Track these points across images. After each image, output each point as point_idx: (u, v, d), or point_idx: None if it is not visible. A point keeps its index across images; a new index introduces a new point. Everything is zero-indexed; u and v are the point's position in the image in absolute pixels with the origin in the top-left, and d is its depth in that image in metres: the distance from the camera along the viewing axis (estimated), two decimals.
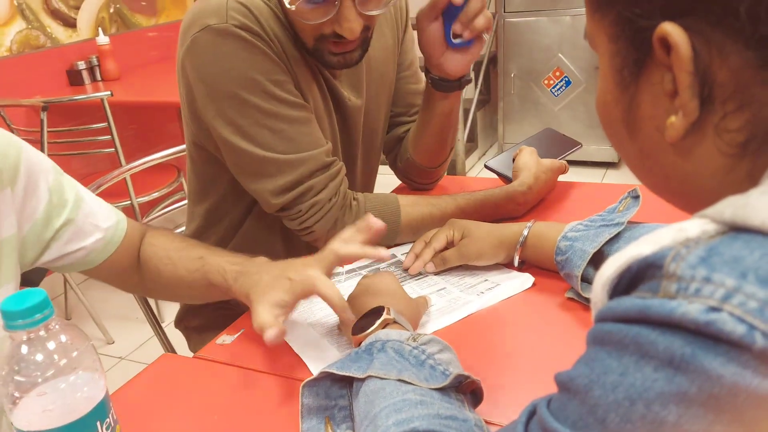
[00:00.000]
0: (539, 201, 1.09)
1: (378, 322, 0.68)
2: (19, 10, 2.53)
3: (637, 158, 0.44)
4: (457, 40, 0.98)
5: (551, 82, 3.38)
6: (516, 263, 0.88)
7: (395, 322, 0.70)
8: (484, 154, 3.79)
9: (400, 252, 0.99)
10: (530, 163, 1.07)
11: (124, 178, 2.15)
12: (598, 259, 0.77)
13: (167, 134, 3.09)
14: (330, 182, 0.95)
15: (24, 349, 0.48)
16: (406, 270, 0.93)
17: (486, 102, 3.81)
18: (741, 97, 0.36)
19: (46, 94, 2.53)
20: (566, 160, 1.14)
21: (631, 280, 0.36)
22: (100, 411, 0.50)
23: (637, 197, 0.84)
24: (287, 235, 1.07)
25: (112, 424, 0.52)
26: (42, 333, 0.48)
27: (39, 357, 0.48)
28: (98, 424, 0.50)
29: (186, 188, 1.16)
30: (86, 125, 2.22)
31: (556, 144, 1.18)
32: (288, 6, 0.85)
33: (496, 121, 3.66)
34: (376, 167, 1.20)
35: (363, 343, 0.66)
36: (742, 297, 0.30)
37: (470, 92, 3.54)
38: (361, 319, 0.71)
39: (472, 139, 3.63)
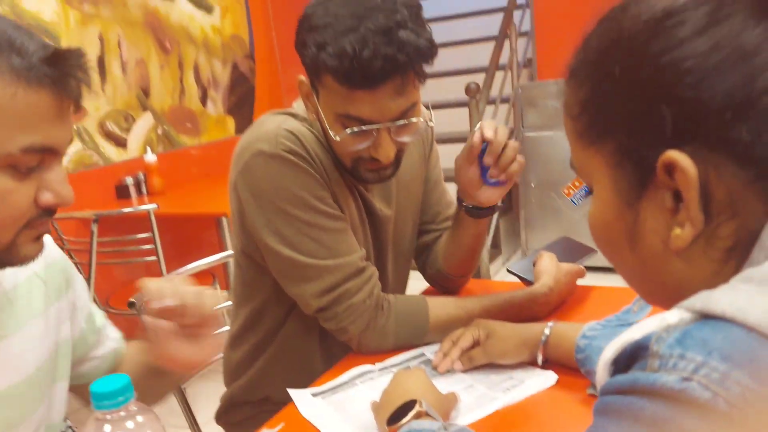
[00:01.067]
0: (561, 303, 1.16)
1: (412, 413, 0.74)
2: (77, 133, 2.78)
3: (637, 268, 0.49)
4: (492, 180, 1.07)
5: (570, 191, 3.49)
6: (539, 361, 0.94)
7: (427, 414, 0.75)
8: (507, 260, 3.87)
9: (429, 351, 1.05)
10: (550, 267, 1.15)
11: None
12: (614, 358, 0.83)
13: (205, 243, 3.25)
14: (364, 286, 1.04)
15: (107, 428, 0.55)
16: (435, 368, 0.99)
17: (508, 210, 3.94)
18: (733, 208, 0.43)
19: (95, 208, 2.70)
20: (583, 266, 1.22)
21: (627, 360, 0.43)
22: None
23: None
24: (324, 335, 1.14)
25: None
26: (122, 413, 0.56)
27: None
28: None
29: (230, 291, 1.26)
30: (131, 235, 2.38)
31: (572, 250, 1.26)
32: (333, 138, 0.97)
33: (518, 228, 3.77)
34: (407, 271, 1.29)
35: None
36: (708, 370, 0.37)
37: None
38: (395, 412, 0.77)
39: (496, 245, 3.72)
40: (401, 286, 1.29)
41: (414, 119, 0.97)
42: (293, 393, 0.96)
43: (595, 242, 0.52)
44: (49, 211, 0.66)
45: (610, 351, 0.44)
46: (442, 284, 1.28)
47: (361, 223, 1.13)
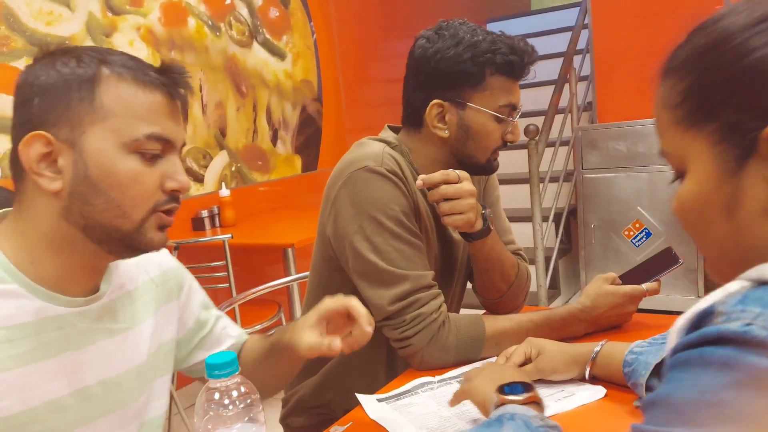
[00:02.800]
0: (607, 323, 1.21)
1: (528, 394, 0.79)
2: None
3: (729, 236, 0.56)
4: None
5: (631, 233, 3.51)
6: (587, 376, 1.01)
7: (536, 403, 0.79)
8: (566, 302, 3.86)
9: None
10: (589, 287, 1.22)
11: (234, 308, 2.41)
12: (660, 371, 0.89)
13: (272, 272, 3.41)
14: (432, 300, 1.14)
15: (216, 395, 0.67)
16: None
17: (567, 251, 3.96)
18: None
19: (173, 238, 2.91)
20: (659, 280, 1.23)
21: (694, 327, 0.51)
22: None
23: None
24: (391, 352, 1.24)
25: None
26: (229, 383, 0.67)
27: (226, 401, 0.66)
28: None
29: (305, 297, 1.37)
30: (207, 263, 2.55)
31: (660, 262, 1.25)
32: (491, 131, 1.20)
33: (578, 269, 3.77)
34: (463, 293, 1.38)
35: (493, 414, 0.78)
36: (765, 317, 0.46)
37: (551, 242, 3.71)
38: (504, 385, 0.82)
39: (554, 286, 3.73)
40: (459, 308, 1.38)
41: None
42: (360, 397, 1.06)
43: (683, 219, 0.60)
44: (172, 197, 0.81)
45: (681, 320, 0.53)
46: (489, 309, 1.35)
47: (435, 245, 1.25)
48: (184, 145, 0.84)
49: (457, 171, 1.14)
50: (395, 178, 1.15)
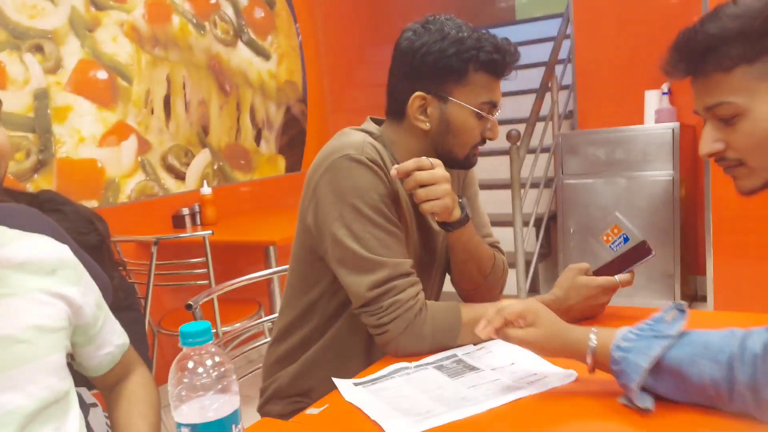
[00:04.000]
0: (581, 316, 1.23)
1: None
2: (141, 165, 3.01)
3: None
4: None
5: (609, 238, 3.54)
6: (589, 370, 0.95)
7: None
8: None
9: (461, 352, 1.14)
10: (561, 279, 1.24)
11: (214, 305, 2.40)
12: (652, 369, 0.87)
13: (252, 270, 3.38)
14: (410, 287, 1.15)
15: (190, 363, 0.67)
16: (477, 333, 1.04)
17: (547, 255, 3.99)
18: None
19: (153, 234, 2.90)
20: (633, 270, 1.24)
21: None
22: (236, 416, 0.68)
23: (683, 311, 0.91)
24: (369, 340, 1.25)
25: (241, 430, 0.69)
26: (203, 352, 0.68)
27: (200, 369, 0.67)
28: (233, 426, 0.67)
29: (283, 291, 1.37)
30: (187, 260, 2.54)
31: (634, 255, 1.27)
32: (471, 127, 1.23)
33: (557, 273, 3.81)
34: (443, 284, 1.40)
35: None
36: None
37: (531, 246, 3.75)
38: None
39: (534, 289, 3.76)
40: (438, 299, 1.39)
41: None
42: (337, 381, 1.06)
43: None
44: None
45: None
46: (465, 300, 1.36)
47: (415, 235, 1.26)
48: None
49: (430, 158, 1.16)
50: (375, 167, 1.17)
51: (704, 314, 1.40)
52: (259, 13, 3.74)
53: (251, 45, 3.67)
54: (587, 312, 1.24)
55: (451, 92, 1.21)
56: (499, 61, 1.20)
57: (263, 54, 3.75)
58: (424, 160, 1.15)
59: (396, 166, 1.15)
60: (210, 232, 2.48)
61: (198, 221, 3.13)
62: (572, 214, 3.67)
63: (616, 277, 1.23)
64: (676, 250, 3.41)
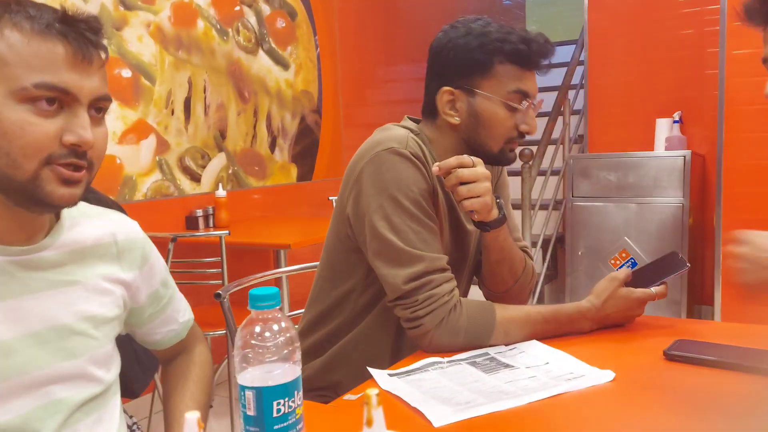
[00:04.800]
0: (613, 323, 1.24)
1: None
2: (158, 164, 3.02)
3: None
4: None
5: (617, 262, 3.57)
6: None
7: None
8: None
9: (493, 351, 1.14)
10: (601, 287, 1.24)
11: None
12: None
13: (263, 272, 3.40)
14: (445, 283, 1.15)
15: (257, 327, 0.68)
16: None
17: (553, 278, 4.00)
18: None
19: (169, 231, 2.90)
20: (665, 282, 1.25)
21: None
22: (298, 383, 0.68)
23: None
24: (399, 333, 1.25)
25: (301, 400, 0.69)
26: (269, 316, 0.68)
27: (267, 333, 0.68)
28: (295, 392, 0.68)
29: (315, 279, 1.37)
30: (201, 259, 2.55)
31: (667, 265, 1.27)
32: (502, 117, 1.22)
33: (563, 296, 3.81)
34: (470, 285, 1.40)
35: None
36: None
37: (538, 268, 3.76)
38: None
39: None
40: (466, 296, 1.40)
41: (540, 102, 1.26)
42: (372, 371, 1.07)
43: None
44: (74, 152, 0.78)
45: None
46: (498, 302, 1.37)
47: (448, 235, 1.27)
48: (104, 100, 0.82)
49: (471, 157, 1.18)
50: (418, 161, 1.18)
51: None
52: (281, 23, 3.79)
53: (271, 54, 3.71)
54: (620, 320, 1.25)
55: (478, 85, 1.22)
56: (525, 51, 1.20)
57: (282, 63, 3.79)
58: (466, 158, 1.16)
59: (438, 163, 1.17)
60: (227, 232, 2.49)
61: (211, 223, 3.13)
62: (581, 236, 3.68)
63: (652, 289, 1.24)
64: (684, 277, 3.42)
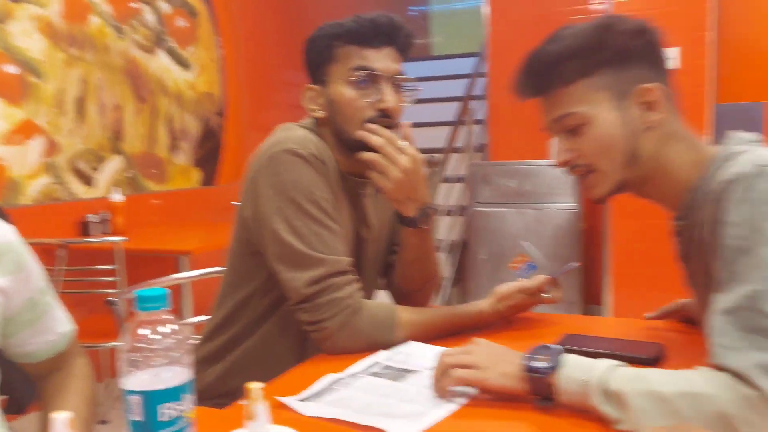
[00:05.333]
0: (505, 318, 1.30)
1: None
2: (47, 167, 2.84)
3: None
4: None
5: (517, 265, 3.71)
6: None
7: None
8: None
9: (381, 357, 1.11)
10: (506, 293, 1.28)
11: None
12: None
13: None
14: (347, 285, 1.14)
15: (144, 330, 0.65)
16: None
17: (458, 281, 4.11)
18: None
19: (58, 237, 2.73)
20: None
21: None
22: (188, 386, 0.66)
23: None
24: (302, 339, 1.23)
25: (191, 404, 0.67)
26: (156, 318, 0.66)
27: (154, 336, 0.65)
28: (184, 396, 0.65)
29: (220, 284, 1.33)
30: (96, 266, 2.41)
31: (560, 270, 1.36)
32: (348, 98, 1.20)
33: (468, 298, 3.92)
34: (374, 290, 1.41)
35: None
36: None
37: (444, 272, 3.84)
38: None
39: None
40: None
41: (409, 78, 1.23)
42: (284, 400, 0.95)
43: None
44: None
45: None
46: (404, 301, 1.39)
47: (351, 238, 1.27)
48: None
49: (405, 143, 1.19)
50: (317, 162, 1.17)
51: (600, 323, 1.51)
52: (181, 23, 3.67)
53: (171, 53, 3.59)
54: (511, 315, 1.30)
55: (326, 73, 1.23)
56: (357, 28, 1.19)
57: (183, 63, 3.67)
58: (396, 137, 1.18)
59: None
60: (123, 238, 2.37)
61: (107, 229, 2.98)
62: (483, 241, 3.81)
63: (550, 294, 1.32)
64: (578, 279, 3.61)
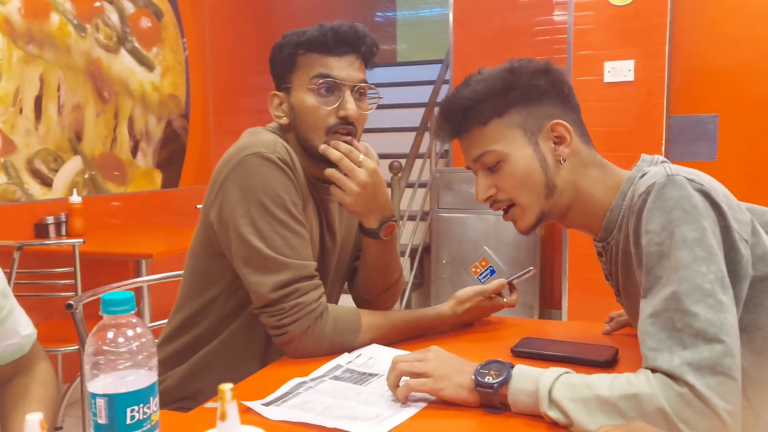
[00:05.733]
0: (468, 320, 1.34)
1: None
2: (3, 167, 2.77)
3: None
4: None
5: (477, 270, 3.78)
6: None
7: None
8: None
9: (344, 360, 1.13)
10: (465, 296, 1.33)
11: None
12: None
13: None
14: (312, 290, 1.16)
15: (110, 333, 0.66)
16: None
17: (420, 285, 4.15)
18: None
19: (14, 239, 2.66)
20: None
21: None
22: (153, 389, 0.67)
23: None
24: (267, 341, 1.24)
25: (156, 407, 0.68)
26: (123, 321, 0.66)
27: (120, 339, 0.66)
28: (151, 398, 0.66)
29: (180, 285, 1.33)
30: (52, 269, 2.36)
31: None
32: (309, 104, 1.21)
33: (429, 302, 3.97)
34: (339, 294, 1.42)
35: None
36: None
37: (406, 275, 3.88)
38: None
39: None
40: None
41: (370, 86, 1.25)
42: (251, 405, 0.95)
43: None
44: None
45: None
46: (366, 306, 1.41)
47: (317, 245, 1.28)
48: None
49: (364, 155, 1.22)
50: (286, 167, 1.18)
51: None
52: (146, 23, 3.63)
53: (134, 54, 3.54)
54: (471, 321, 1.34)
55: (289, 80, 1.25)
56: (319, 37, 1.20)
57: (147, 64, 3.63)
58: (354, 151, 1.20)
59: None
60: (81, 240, 2.33)
61: (63, 231, 2.92)
62: (445, 246, 3.86)
63: (505, 299, 1.38)
64: (536, 284, 3.68)
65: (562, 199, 1.05)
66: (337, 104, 1.21)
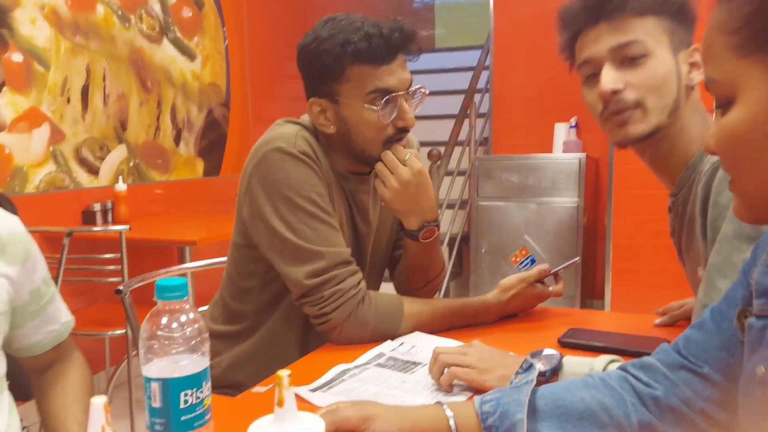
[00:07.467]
0: (514, 310, 1.32)
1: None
2: (52, 155, 2.85)
3: None
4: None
5: (517, 259, 3.73)
6: None
7: None
8: None
9: (387, 349, 1.14)
10: (509, 284, 1.30)
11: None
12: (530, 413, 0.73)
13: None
14: (350, 276, 1.16)
15: (164, 318, 0.66)
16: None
17: (458, 274, 4.13)
18: None
19: (63, 225, 2.74)
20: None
21: None
22: (206, 374, 0.68)
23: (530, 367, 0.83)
24: (306, 331, 1.25)
25: (209, 391, 0.68)
26: (177, 307, 0.67)
27: (174, 324, 0.66)
28: (203, 383, 0.67)
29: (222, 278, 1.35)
30: (99, 255, 2.42)
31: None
32: (368, 119, 1.16)
33: (467, 291, 3.94)
34: (379, 283, 1.42)
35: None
36: None
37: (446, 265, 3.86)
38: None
39: None
40: None
41: (420, 87, 1.20)
42: (297, 390, 0.95)
43: (729, 151, 0.58)
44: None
45: None
46: (407, 295, 1.40)
47: (348, 228, 1.27)
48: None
49: (410, 152, 1.20)
50: (308, 159, 1.16)
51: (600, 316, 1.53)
52: (187, 13, 3.67)
53: (176, 43, 3.59)
54: (518, 311, 1.32)
55: (338, 92, 1.17)
56: (368, 48, 1.12)
57: (188, 53, 3.67)
58: (402, 150, 1.19)
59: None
60: (127, 227, 2.38)
61: (110, 218, 2.99)
62: (484, 235, 3.82)
63: (550, 288, 1.34)
64: (578, 273, 3.62)
65: (675, 124, 1.02)
66: (394, 114, 1.17)
